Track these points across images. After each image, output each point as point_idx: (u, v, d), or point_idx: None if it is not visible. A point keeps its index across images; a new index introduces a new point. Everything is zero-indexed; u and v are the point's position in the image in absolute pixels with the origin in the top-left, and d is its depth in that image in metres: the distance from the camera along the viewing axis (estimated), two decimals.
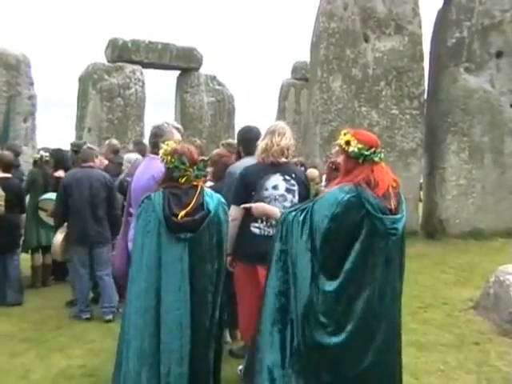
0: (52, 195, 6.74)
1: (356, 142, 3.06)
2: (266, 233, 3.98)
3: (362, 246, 2.94)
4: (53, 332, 5.52)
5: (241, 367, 4.32)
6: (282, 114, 18.26)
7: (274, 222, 3.75)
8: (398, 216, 3.04)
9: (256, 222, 3.98)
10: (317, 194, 6.66)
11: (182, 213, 3.23)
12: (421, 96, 11.10)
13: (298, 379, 2.97)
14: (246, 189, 3.97)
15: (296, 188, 4.08)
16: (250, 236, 3.98)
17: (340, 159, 3.19)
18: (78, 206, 5.87)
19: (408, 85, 10.95)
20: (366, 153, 3.05)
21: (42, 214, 6.87)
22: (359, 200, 2.95)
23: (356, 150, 3.05)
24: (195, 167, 3.41)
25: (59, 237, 5.89)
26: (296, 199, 4.05)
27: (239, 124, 15.38)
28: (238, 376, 4.26)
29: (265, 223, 3.99)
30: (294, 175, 4.10)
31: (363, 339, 2.94)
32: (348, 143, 3.08)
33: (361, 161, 3.07)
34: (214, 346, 3.43)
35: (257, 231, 3.99)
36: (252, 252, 3.92)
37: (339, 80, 10.77)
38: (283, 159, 4.08)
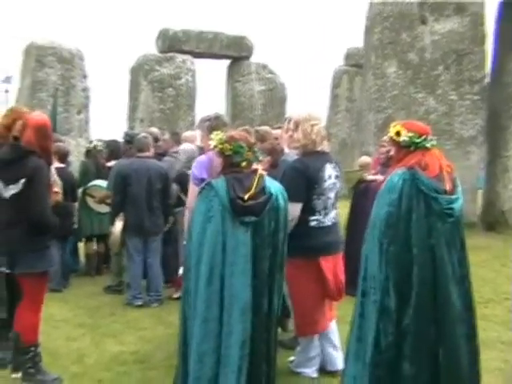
0: (100, 182, 6.82)
1: (406, 131, 3.17)
2: (323, 224, 3.95)
3: (420, 228, 2.99)
4: (107, 318, 5.58)
5: (292, 358, 4.28)
6: (334, 101, 17.99)
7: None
8: (454, 196, 3.10)
9: (314, 214, 3.92)
10: (359, 181, 6.49)
11: (248, 194, 3.24)
12: (482, 80, 10.65)
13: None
14: (309, 183, 3.89)
15: (339, 174, 4.09)
16: (310, 230, 3.92)
17: (392, 152, 3.33)
18: (135, 197, 5.92)
19: (468, 68, 10.50)
20: (417, 140, 3.16)
21: (90, 201, 6.95)
22: (413, 181, 3.03)
23: (407, 138, 3.16)
24: (253, 150, 3.46)
25: (118, 227, 5.94)
26: (339, 185, 4.09)
27: (291, 113, 15.22)
28: (287, 367, 4.21)
29: (323, 215, 3.94)
30: (335, 162, 4.10)
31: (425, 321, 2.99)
32: (398, 134, 3.20)
33: (412, 148, 3.16)
34: (274, 331, 3.42)
35: (315, 224, 3.94)
36: (313, 245, 3.88)
37: (394, 65, 10.48)
38: (325, 146, 4.06)
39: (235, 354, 3.20)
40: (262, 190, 3.34)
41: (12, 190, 3.76)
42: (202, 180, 3.86)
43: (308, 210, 3.88)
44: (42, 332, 4.11)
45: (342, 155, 15.37)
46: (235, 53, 16.05)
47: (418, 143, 3.16)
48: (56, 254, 5.88)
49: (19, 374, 3.95)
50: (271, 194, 3.35)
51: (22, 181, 3.73)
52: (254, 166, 3.44)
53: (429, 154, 3.18)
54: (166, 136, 7.24)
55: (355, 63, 17.47)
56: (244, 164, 3.39)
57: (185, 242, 3.79)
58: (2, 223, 3.84)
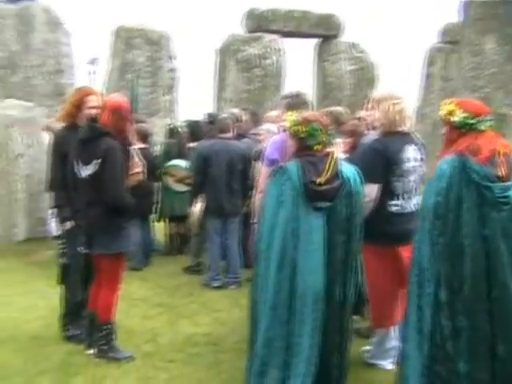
0: (180, 162, 6.88)
1: (461, 110, 2.96)
2: (404, 210, 3.75)
3: (472, 218, 2.80)
4: (184, 299, 5.63)
5: (367, 348, 4.13)
6: (428, 80, 17.21)
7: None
8: (509, 183, 2.88)
9: (394, 199, 3.73)
10: None
11: (322, 179, 3.15)
12: None
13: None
14: (387, 164, 3.69)
15: (424, 157, 3.85)
16: (389, 215, 3.73)
17: (443, 130, 3.13)
18: (216, 178, 5.93)
19: None
20: (471, 121, 2.95)
21: (169, 180, 7.01)
22: (463, 169, 2.84)
23: (460, 119, 2.97)
24: (328, 133, 3.37)
25: (197, 208, 5.97)
26: (424, 169, 3.84)
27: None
28: (361, 357, 4.06)
29: (404, 200, 3.74)
30: (418, 143, 3.86)
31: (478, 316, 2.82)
32: (451, 113, 2.99)
33: (465, 130, 2.99)
34: (347, 320, 3.34)
35: (396, 209, 3.74)
36: (392, 232, 3.69)
37: (493, 41, 9.81)
38: (408, 126, 3.84)
39: (306, 343, 3.14)
40: (336, 174, 3.23)
41: (88, 171, 3.84)
42: (273, 161, 3.77)
43: (387, 194, 3.70)
44: (120, 310, 4.21)
45: (436, 136, 14.68)
46: (324, 31, 15.67)
47: (471, 124, 2.96)
48: (136, 233, 5.97)
49: (93, 351, 4.04)
50: (346, 179, 3.24)
51: (96, 162, 3.78)
52: (331, 148, 3.34)
53: (483, 137, 2.96)
54: (245, 117, 7.17)
55: (451, 40, 16.58)
56: (318, 147, 3.30)
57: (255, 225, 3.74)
58: (83, 202, 3.93)
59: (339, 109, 5.27)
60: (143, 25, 13.12)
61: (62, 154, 4.20)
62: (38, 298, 5.45)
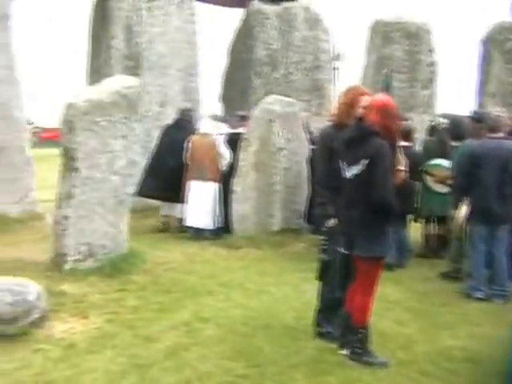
0: (442, 161, 6.59)
1: None
2: None
3: None
4: (440, 307, 5.30)
5: None
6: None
7: None
8: None
9: None
10: None
11: None
12: None
13: None
14: None
15: None
16: None
17: None
18: (485, 181, 5.52)
19: None
20: None
21: (429, 179, 6.79)
22: None
23: None
24: None
25: (462, 212, 5.62)
26: None
27: None
28: None
29: None
30: None
31: None
32: None
33: None
34: None
35: None
36: None
37: None
38: None
39: None
40: None
41: (353, 171, 3.79)
42: None
43: None
44: (374, 312, 4.09)
45: None
46: None
47: None
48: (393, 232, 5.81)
49: (346, 352, 3.99)
50: None
51: (364, 161, 3.71)
52: None
53: None
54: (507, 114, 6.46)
55: None
56: None
57: None
58: (343, 203, 3.90)
59: None
60: (401, 18, 12.78)
61: (328, 152, 4.22)
62: (290, 290, 5.61)
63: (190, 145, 8.02)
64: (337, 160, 3.94)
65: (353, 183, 3.80)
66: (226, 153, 7.92)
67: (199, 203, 7.85)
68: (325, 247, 4.29)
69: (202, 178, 7.91)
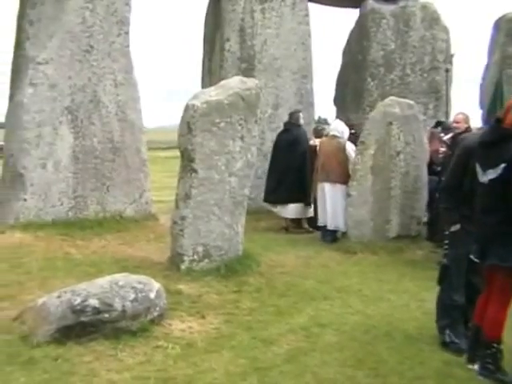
0: None
1: None
2: None
3: None
4: None
5: None
6: None
7: None
8: None
9: None
10: None
11: None
12: None
13: None
14: None
15: None
16: None
17: None
18: None
19: None
20: None
21: None
22: None
23: None
24: None
25: None
26: None
27: None
28: None
29: None
30: None
31: None
32: None
33: None
34: None
35: None
36: None
37: None
38: None
39: None
40: None
41: (490, 175, 3.56)
42: None
43: None
44: (506, 326, 3.77)
45: None
46: None
47: None
48: None
49: (476, 366, 3.74)
50: None
51: (502, 165, 3.47)
52: None
53: None
54: None
55: None
56: None
57: None
58: (478, 209, 3.68)
59: None
60: None
61: (466, 157, 4.01)
62: (409, 298, 5.41)
63: (318, 147, 8.26)
64: (473, 164, 3.71)
65: (489, 188, 3.57)
66: (353, 155, 7.90)
67: (329, 205, 7.98)
68: (446, 251, 4.14)
69: (329, 179, 8.00)
